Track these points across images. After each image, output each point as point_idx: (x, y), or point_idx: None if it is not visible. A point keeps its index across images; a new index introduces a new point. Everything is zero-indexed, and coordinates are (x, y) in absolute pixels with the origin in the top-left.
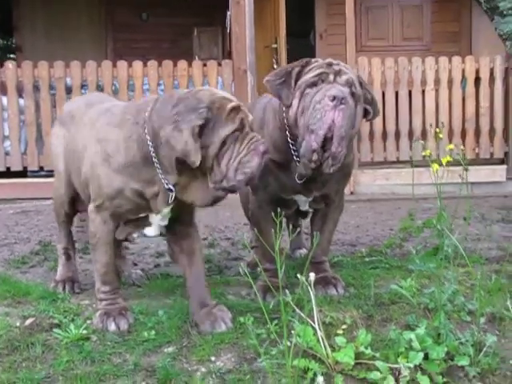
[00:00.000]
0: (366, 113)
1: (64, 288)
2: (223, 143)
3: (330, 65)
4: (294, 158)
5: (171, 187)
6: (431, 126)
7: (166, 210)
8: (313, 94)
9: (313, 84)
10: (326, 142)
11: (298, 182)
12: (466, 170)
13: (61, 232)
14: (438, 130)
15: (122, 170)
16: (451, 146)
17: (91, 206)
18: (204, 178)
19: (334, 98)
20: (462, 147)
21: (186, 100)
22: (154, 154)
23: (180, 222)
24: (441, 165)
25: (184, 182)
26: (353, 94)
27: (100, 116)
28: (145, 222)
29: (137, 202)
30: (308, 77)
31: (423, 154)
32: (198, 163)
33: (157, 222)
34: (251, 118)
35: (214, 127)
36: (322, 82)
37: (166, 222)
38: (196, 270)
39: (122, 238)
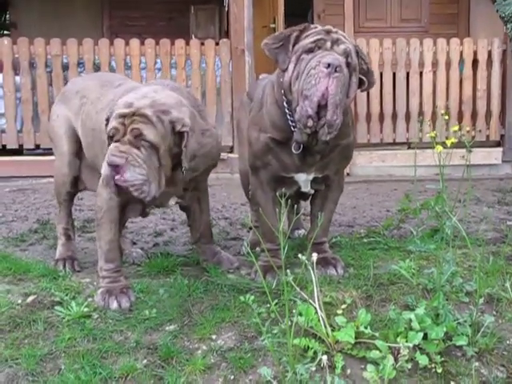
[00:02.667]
0: (360, 83)
1: (64, 266)
2: None
3: (328, 32)
4: (293, 131)
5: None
6: (437, 107)
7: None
8: (308, 60)
9: (309, 50)
10: (321, 109)
11: (295, 152)
12: (470, 151)
13: (61, 212)
14: (443, 111)
15: None
16: (456, 128)
17: (100, 181)
18: None
19: (328, 65)
20: (460, 129)
21: None
22: None
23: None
24: (444, 147)
25: None
26: (348, 64)
27: None
28: None
29: None
30: (305, 42)
31: (428, 135)
32: None
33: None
34: None
35: None
36: (319, 48)
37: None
38: (203, 225)
39: (133, 216)
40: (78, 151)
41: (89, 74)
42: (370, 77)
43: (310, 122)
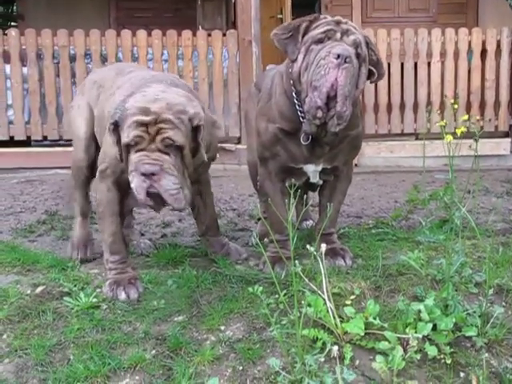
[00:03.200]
0: (370, 74)
1: (77, 254)
2: None
3: (338, 23)
4: (302, 122)
5: None
6: (446, 97)
7: None
8: (318, 51)
9: (319, 40)
10: (330, 100)
11: (304, 143)
12: (476, 140)
13: (78, 193)
14: (452, 100)
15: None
16: (466, 117)
17: (97, 174)
18: None
19: (338, 56)
20: (470, 119)
21: None
22: None
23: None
24: (454, 138)
25: None
26: (358, 55)
27: None
28: None
29: None
30: (315, 33)
31: (437, 124)
32: None
33: None
34: None
35: None
36: (329, 39)
37: None
38: (209, 219)
39: (136, 206)
40: (94, 138)
41: (110, 65)
42: (380, 68)
43: (320, 113)
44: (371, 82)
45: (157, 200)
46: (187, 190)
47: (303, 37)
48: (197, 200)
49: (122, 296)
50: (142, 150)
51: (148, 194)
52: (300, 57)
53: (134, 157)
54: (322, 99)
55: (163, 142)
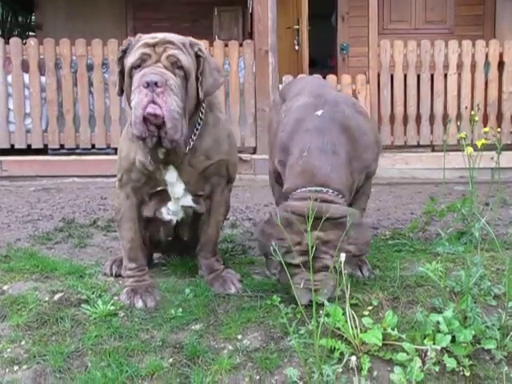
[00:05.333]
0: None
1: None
2: None
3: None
4: None
5: None
6: (466, 108)
7: (173, 180)
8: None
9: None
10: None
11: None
12: (498, 152)
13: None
14: (473, 112)
15: (133, 143)
16: (487, 129)
17: (116, 182)
18: None
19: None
20: (488, 131)
21: None
22: None
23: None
24: (475, 149)
25: None
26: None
27: None
28: (165, 197)
29: (147, 175)
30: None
31: (457, 136)
32: None
33: (175, 195)
34: None
35: None
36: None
37: (183, 196)
38: (205, 237)
39: (150, 215)
40: None
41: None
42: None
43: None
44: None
45: (151, 129)
46: (184, 126)
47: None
48: (204, 216)
49: (139, 304)
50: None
51: (145, 118)
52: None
53: (139, 74)
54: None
55: (169, 59)
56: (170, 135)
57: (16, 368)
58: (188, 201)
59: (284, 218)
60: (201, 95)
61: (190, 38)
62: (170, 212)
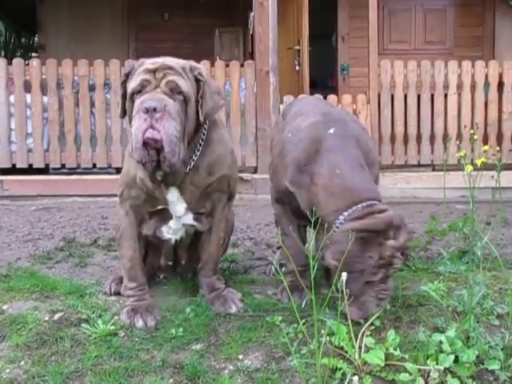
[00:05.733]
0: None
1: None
2: None
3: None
4: None
5: None
6: (465, 127)
7: (174, 199)
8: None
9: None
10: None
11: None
12: (498, 171)
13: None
14: (472, 131)
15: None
16: (486, 148)
17: (117, 200)
18: None
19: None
20: (488, 150)
21: None
22: None
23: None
24: (475, 168)
25: None
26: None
27: None
28: (166, 215)
29: (146, 192)
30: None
31: (457, 155)
32: None
33: (176, 214)
34: None
35: None
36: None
37: (184, 214)
38: (206, 255)
39: (149, 233)
40: None
41: None
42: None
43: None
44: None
45: (151, 153)
46: (182, 149)
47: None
48: (204, 234)
49: (140, 323)
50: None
51: (144, 143)
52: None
53: (139, 100)
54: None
55: (168, 85)
56: (168, 159)
57: None
58: (189, 219)
59: (359, 238)
60: (201, 118)
61: (191, 62)
62: (171, 231)
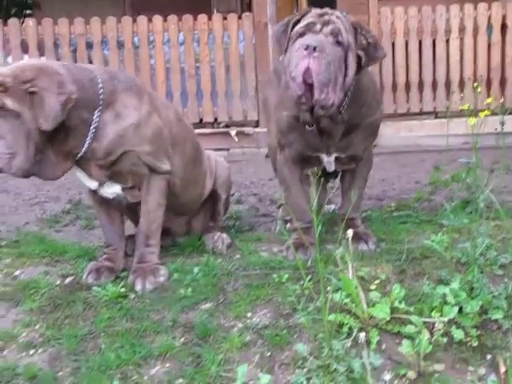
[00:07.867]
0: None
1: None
2: None
3: (321, 15)
4: None
5: None
6: (469, 79)
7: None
8: (297, 44)
9: (301, 34)
10: (312, 88)
11: (308, 129)
12: (502, 124)
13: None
14: (476, 84)
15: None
16: (489, 100)
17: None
18: None
19: (307, 47)
20: (491, 101)
21: None
22: None
23: None
24: (477, 117)
25: None
26: (339, 43)
27: None
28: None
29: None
30: (299, 27)
31: (460, 107)
32: None
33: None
34: None
35: None
36: (310, 31)
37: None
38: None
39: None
40: None
41: None
42: (374, 52)
43: (302, 101)
44: (361, 68)
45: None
46: (22, 158)
47: (291, 31)
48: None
49: (138, 287)
50: None
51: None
52: (288, 50)
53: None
54: (300, 88)
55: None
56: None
57: (32, 352)
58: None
59: None
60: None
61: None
62: None
